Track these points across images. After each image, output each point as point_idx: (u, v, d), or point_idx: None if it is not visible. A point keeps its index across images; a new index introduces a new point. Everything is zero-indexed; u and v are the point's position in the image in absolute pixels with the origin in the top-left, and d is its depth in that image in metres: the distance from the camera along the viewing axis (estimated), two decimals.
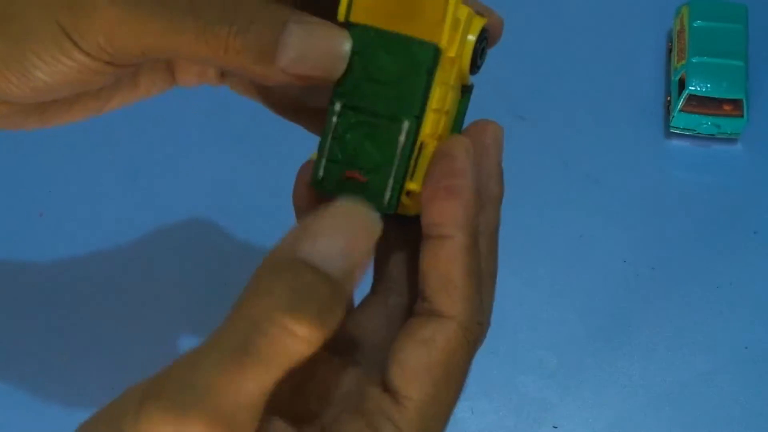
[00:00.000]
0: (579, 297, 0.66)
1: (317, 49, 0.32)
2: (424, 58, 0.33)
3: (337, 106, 0.33)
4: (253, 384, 0.27)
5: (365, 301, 0.38)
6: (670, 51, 0.73)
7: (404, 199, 0.34)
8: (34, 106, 0.37)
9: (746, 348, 0.64)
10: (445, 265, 0.32)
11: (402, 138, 0.33)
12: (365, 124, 0.33)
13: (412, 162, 0.33)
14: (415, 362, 0.31)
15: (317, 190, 0.34)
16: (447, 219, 0.32)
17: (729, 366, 0.64)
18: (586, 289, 0.66)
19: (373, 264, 0.37)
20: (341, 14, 0.33)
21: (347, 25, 0.33)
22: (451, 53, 0.34)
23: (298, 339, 0.28)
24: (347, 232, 0.29)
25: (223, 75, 0.42)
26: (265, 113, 0.43)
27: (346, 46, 0.32)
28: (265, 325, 0.27)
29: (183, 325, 0.64)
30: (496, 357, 0.63)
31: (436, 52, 0.33)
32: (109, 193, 0.69)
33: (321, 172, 0.34)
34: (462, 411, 0.63)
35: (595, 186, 0.70)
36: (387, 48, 0.33)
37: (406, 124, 0.33)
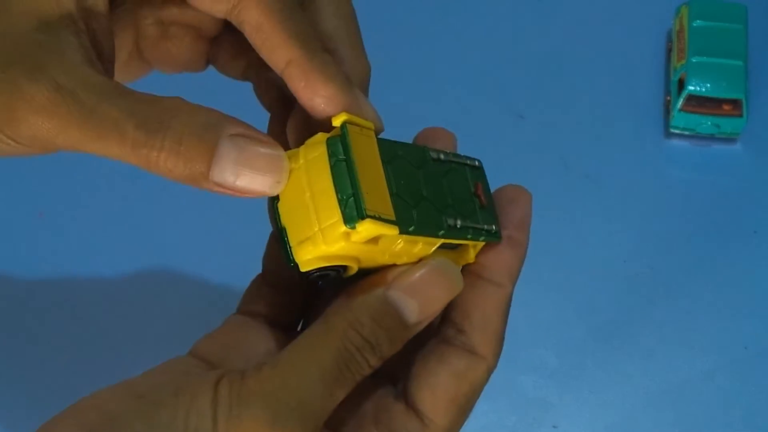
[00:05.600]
0: (579, 297, 0.66)
1: (252, 168, 0.31)
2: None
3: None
4: (339, 398, 0.32)
5: None
6: (669, 51, 0.73)
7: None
8: None
9: (746, 348, 0.64)
10: (490, 309, 0.35)
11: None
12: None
13: None
14: (445, 392, 0.34)
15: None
16: (504, 268, 0.36)
17: (729, 366, 0.64)
18: (586, 289, 0.66)
19: None
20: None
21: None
22: None
23: (370, 368, 0.33)
24: (436, 289, 0.33)
25: (208, 62, 0.40)
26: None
27: (284, 164, 0.32)
28: (355, 355, 0.32)
29: (184, 324, 0.64)
30: None
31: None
32: (108, 193, 0.69)
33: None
34: None
35: (595, 186, 0.70)
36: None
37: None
